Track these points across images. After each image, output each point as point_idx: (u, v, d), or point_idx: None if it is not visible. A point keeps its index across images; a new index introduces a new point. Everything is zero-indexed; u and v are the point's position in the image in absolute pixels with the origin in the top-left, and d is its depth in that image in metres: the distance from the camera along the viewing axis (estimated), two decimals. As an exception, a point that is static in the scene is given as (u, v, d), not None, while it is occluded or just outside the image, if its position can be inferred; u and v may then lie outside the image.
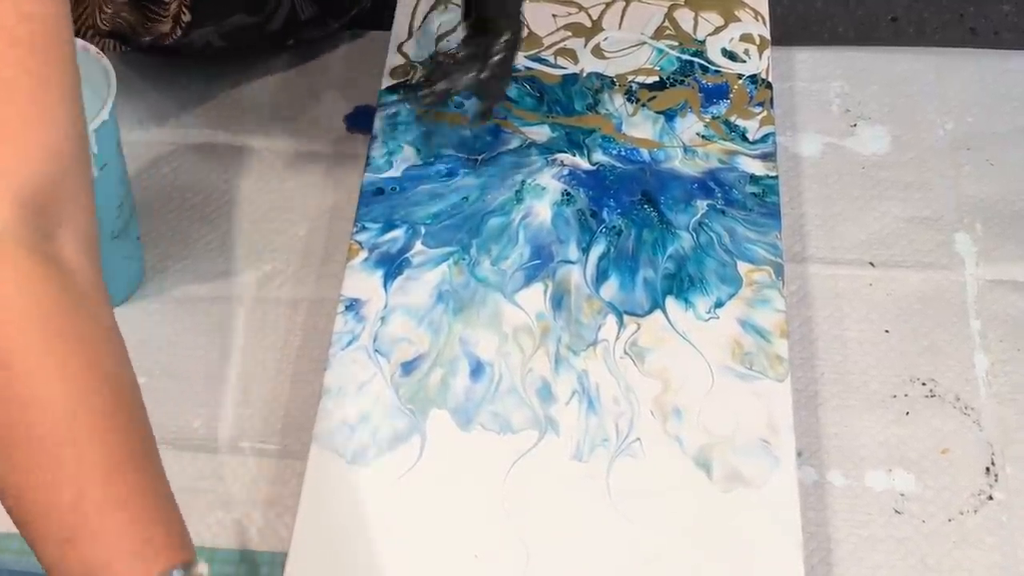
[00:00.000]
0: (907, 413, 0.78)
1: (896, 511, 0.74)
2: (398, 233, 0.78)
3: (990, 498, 0.74)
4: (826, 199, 0.88)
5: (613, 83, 0.86)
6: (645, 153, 0.83)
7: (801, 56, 0.96)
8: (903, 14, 1.06)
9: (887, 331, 0.81)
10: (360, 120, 0.90)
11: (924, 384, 0.79)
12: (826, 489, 0.75)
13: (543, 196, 0.80)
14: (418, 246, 0.78)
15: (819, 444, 0.77)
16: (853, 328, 0.81)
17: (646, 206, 0.80)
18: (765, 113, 0.85)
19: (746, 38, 0.89)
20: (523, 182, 0.81)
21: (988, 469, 0.75)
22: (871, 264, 0.84)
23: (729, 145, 0.83)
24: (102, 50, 0.74)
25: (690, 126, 0.84)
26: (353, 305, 0.75)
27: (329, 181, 0.89)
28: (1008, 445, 0.76)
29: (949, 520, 0.73)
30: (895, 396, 0.78)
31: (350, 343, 0.73)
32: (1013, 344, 0.81)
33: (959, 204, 0.87)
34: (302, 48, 0.96)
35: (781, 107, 0.92)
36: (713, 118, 0.85)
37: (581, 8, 0.91)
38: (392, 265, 0.77)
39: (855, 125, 0.92)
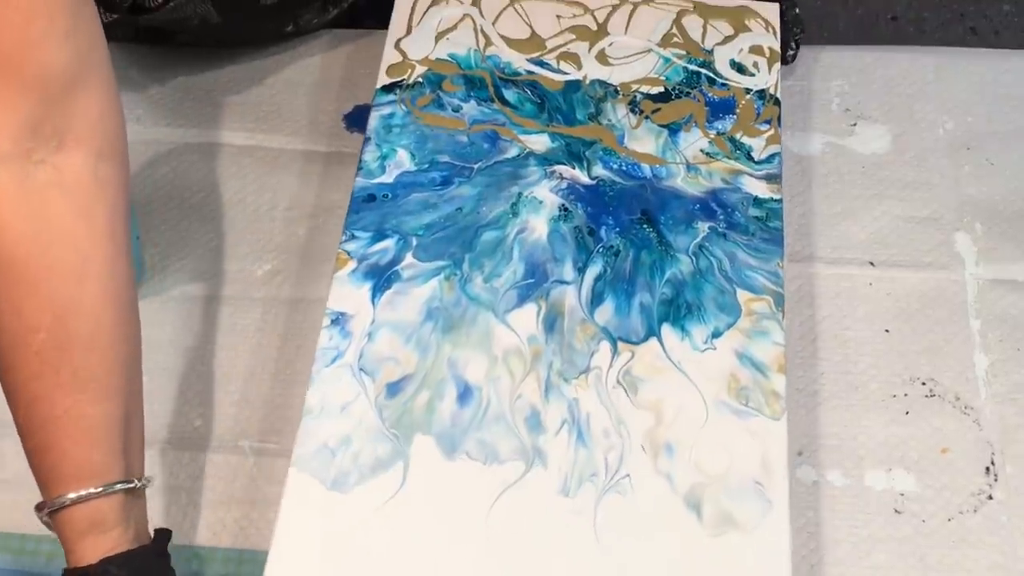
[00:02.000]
0: (907, 413, 0.77)
1: (896, 511, 0.74)
2: (388, 243, 0.76)
3: (990, 498, 0.74)
4: (826, 199, 0.87)
5: (617, 92, 0.83)
6: (646, 169, 0.80)
7: (801, 55, 0.95)
8: (903, 14, 1.05)
9: (887, 331, 0.81)
10: (359, 119, 0.88)
11: (924, 384, 0.78)
12: (826, 489, 0.75)
13: (540, 210, 0.78)
14: (409, 258, 0.75)
15: (819, 444, 0.76)
16: (853, 328, 0.81)
17: (645, 226, 0.77)
18: (772, 131, 0.82)
19: (756, 50, 0.86)
20: (519, 194, 0.78)
21: (988, 469, 0.75)
22: (871, 264, 0.84)
23: (733, 164, 0.80)
24: None
25: (694, 142, 0.81)
26: (339, 319, 0.72)
27: (329, 180, 0.87)
28: (1008, 445, 0.76)
29: (949, 520, 0.73)
30: (895, 396, 0.78)
31: (334, 360, 0.71)
32: (1013, 344, 0.80)
33: (959, 204, 0.87)
34: (301, 39, 0.95)
35: (781, 106, 0.90)
36: (718, 134, 0.82)
37: (587, 10, 0.88)
38: (381, 278, 0.74)
39: (855, 125, 0.91)
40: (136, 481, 0.62)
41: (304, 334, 0.80)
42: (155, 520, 0.71)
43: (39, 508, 0.61)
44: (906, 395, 0.78)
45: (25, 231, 0.58)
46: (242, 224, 0.85)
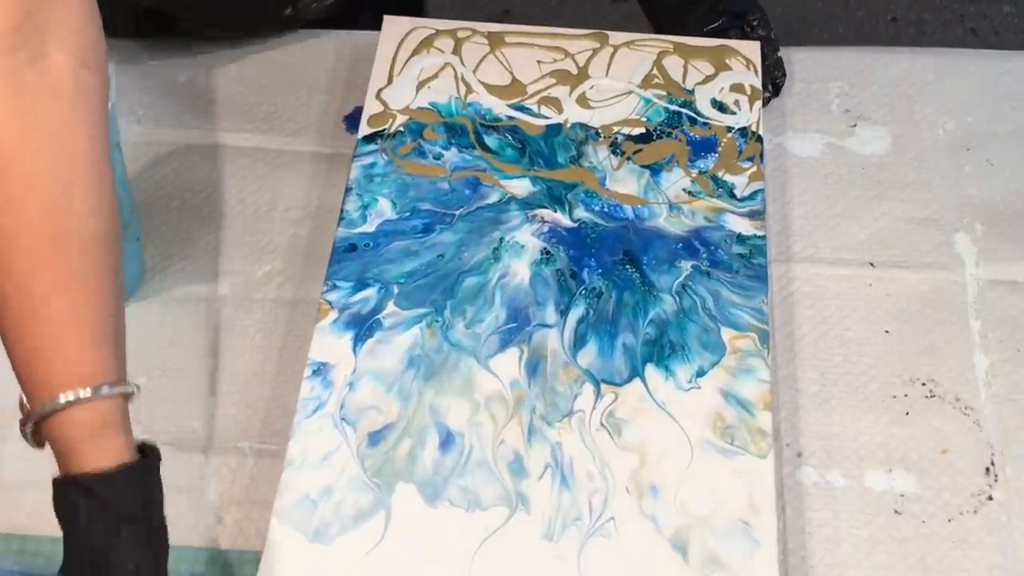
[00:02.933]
0: (907, 413, 0.77)
1: (896, 511, 0.73)
2: (370, 292, 0.76)
3: (990, 498, 0.73)
4: (826, 199, 0.87)
5: (598, 134, 0.84)
6: (629, 210, 0.80)
7: (801, 56, 0.95)
8: (903, 14, 1.05)
9: (887, 331, 0.80)
10: (360, 120, 0.87)
11: (924, 384, 0.78)
12: (826, 489, 0.74)
13: (521, 255, 0.77)
14: (390, 307, 0.75)
15: (819, 444, 0.76)
16: (853, 328, 0.81)
17: (628, 267, 0.77)
18: (755, 168, 0.82)
19: (737, 88, 0.86)
20: (501, 239, 0.78)
21: (988, 469, 0.75)
22: (871, 264, 0.84)
23: (716, 202, 0.80)
24: None
25: (676, 181, 0.81)
26: (320, 370, 0.72)
27: (329, 181, 0.88)
28: (1008, 445, 0.76)
29: (949, 520, 0.73)
30: (895, 396, 0.78)
31: (316, 410, 0.71)
32: (1013, 344, 0.80)
33: (959, 204, 0.87)
34: (302, 40, 0.96)
35: (781, 107, 0.92)
36: (700, 173, 0.82)
37: (568, 54, 0.88)
38: (363, 327, 0.74)
39: (855, 125, 0.91)
40: (132, 386, 0.61)
41: (304, 335, 0.79)
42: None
43: (24, 422, 0.59)
44: (906, 395, 0.78)
45: (17, 130, 0.57)
46: (242, 225, 0.86)
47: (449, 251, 0.78)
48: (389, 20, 0.90)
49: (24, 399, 0.60)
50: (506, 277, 0.76)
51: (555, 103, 0.85)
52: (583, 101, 0.86)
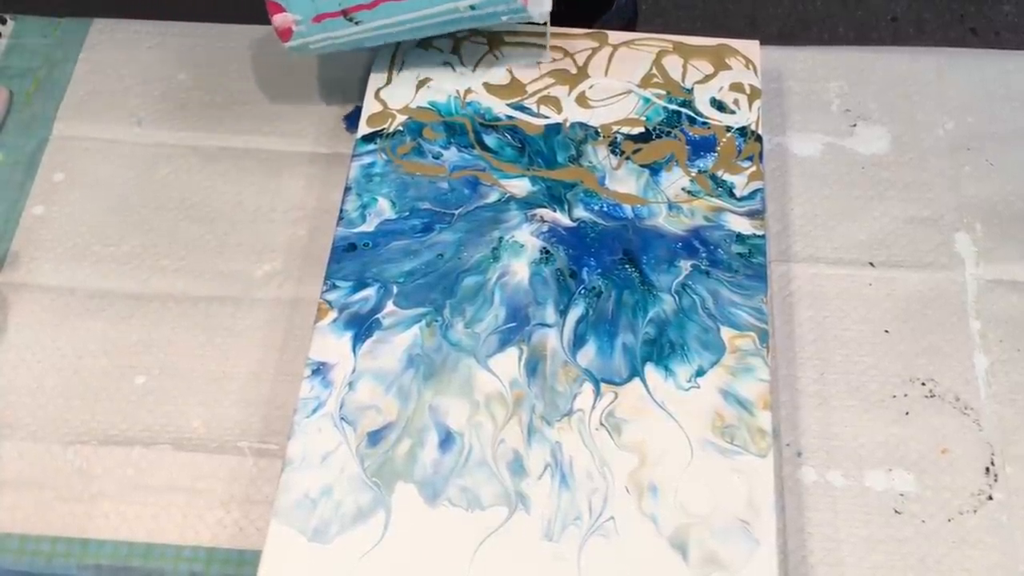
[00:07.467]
0: (907, 413, 0.77)
1: (896, 511, 0.73)
2: (369, 292, 0.75)
3: (990, 498, 0.74)
4: (826, 199, 0.87)
5: (597, 134, 0.83)
6: (628, 209, 0.80)
7: (801, 56, 0.95)
8: (903, 14, 1.05)
9: (887, 331, 0.81)
10: (359, 120, 0.87)
11: (924, 384, 0.78)
12: (826, 489, 0.74)
13: (521, 254, 0.77)
14: (390, 306, 0.75)
15: (819, 444, 0.76)
16: (853, 328, 0.81)
17: (627, 266, 0.77)
18: (754, 168, 0.82)
19: (736, 87, 0.86)
20: (500, 239, 0.78)
21: (988, 469, 0.75)
22: (871, 264, 0.84)
23: (715, 201, 0.80)
24: None
25: (676, 180, 0.81)
26: (320, 369, 0.72)
27: (329, 181, 0.88)
28: (1008, 445, 0.76)
29: (949, 520, 0.73)
30: (895, 396, 0.78)
31: (315, 410, 0.71)
32: (1013, 344, 0.80)
33: (959, 204, 0.87)
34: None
35: (781, 107, 0.92)
36: (700, 172, 0.82)
37: (567, 53, 0.88)
38: (362, 327, 0.74)
39: (855, 125, 0.91)
40: None
41: (304, 335, 0.80)
42: (155, 521, 0.73)
43: None
44: (906, 395, 0.78)
45: None
46: (242, 225, 0.86)
47: (448, 250, 0.77)
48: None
49: None
50: (505, 276, 0.76)
51: (554, 103, 0.85)
52: (582, 101, 0.85)
